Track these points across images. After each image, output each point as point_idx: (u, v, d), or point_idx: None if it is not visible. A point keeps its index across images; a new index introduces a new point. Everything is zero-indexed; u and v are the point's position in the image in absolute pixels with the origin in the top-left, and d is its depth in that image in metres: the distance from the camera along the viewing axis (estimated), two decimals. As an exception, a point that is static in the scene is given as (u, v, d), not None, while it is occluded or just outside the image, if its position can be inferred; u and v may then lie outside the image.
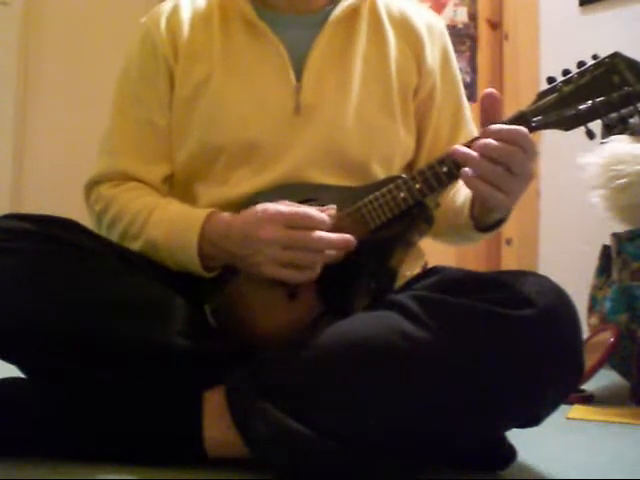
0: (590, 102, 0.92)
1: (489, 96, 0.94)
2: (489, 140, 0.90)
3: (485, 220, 1.03)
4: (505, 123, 0.93)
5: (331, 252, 0.95)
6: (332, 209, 0.98)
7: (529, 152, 0.90)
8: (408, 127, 1.16)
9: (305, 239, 0.94)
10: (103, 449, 0.95)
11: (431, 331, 0.88)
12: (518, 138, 0.90)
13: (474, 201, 1.03)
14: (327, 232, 0.95)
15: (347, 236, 0.95)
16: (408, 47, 1.17)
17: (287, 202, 0.98)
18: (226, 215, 1.03)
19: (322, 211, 0.97)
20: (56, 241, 0.96)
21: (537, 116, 0.94)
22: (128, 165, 1.13)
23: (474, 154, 0.90)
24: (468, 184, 0.92)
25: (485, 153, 0.90)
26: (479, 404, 0.88)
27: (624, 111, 0.91)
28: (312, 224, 0.94)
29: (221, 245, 1.01)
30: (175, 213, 1.06)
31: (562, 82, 0.94)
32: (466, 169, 0.91)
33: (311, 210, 0.96)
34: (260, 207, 0.98)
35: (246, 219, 0.98)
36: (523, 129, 0.90)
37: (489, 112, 0.94)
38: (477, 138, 0.93)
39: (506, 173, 0.90)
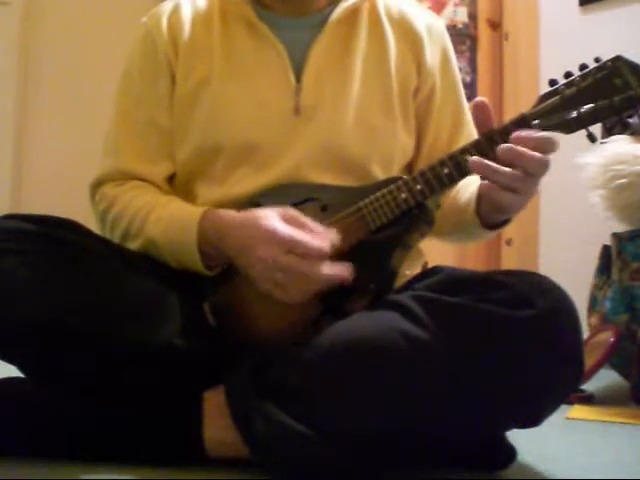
0: (592, 105, 0.92)
1: (477, 106, 0.95)
2: (521, 148, 0.90)
3: (493, 219, 1.03)
4: (507, 126, 0.94)
5: (323, 284, 0.94)
6: (335, 237, 0.96)
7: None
8: (408, 128, 1.16)
9: (301, 268, 0.93)
10: (103, 449, 0.95)
11: (431, 331, 0.88)
12: (552, 145, 0.90)
13: (480, 199, 1.03)
14: (325, 262, 0.93)
15: (343, 271, 0.94)
16: (408, 48, 1.17)
17: (292, 213, 0.97)
18: (223, 213, 1.02)
19: (324, 237, 0.95)
20: (57, 242, 0.96)
21: (539, 119, 0.94)
22: (131, 165, 1.13)
23: (493, 166, 0.90)
24: (487, 192, 0.93)
25: (515, 161, 0.90)
26: (479, 404, 0.88)
27: (625, 114, 0.92)
28: (312, 254, 0.93)
29: (217, 244, 1.01)
30: (174, 211, 1.06)
31: (564, 85, 0.94)
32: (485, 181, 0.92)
33: (312, 240, 0.93)
34: (263, 221, 0.96)
35: (245, 229, 0.97)
36: (554, 139, 0.91)
37: (481, 119, 0.95)
38: (481, 140, 0.94)
39: (523, 176, 0.90)
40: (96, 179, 1.15)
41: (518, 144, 0.90)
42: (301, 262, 0.93)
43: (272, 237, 0.94)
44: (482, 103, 0.95)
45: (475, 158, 0.92)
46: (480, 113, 0.95)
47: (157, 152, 1.14)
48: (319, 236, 0.95)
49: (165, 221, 1.05)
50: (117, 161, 1.15)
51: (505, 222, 1.05)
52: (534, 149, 0.90)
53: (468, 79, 2.64)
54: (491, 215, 1.02)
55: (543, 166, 0.90)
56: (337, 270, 0.94)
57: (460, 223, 1.12)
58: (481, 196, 1.01)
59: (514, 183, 0.90)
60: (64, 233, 0.99)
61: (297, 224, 0.96)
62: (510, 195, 0.91)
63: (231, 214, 1.02)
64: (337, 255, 0.96)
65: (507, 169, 0.90)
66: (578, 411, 1.50)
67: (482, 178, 0.93)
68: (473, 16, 2.68)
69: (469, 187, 1.09)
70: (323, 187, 1.07)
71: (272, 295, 0.96)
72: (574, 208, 2.22)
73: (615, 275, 1.75)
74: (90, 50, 2.95)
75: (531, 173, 0.90)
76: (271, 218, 0.96)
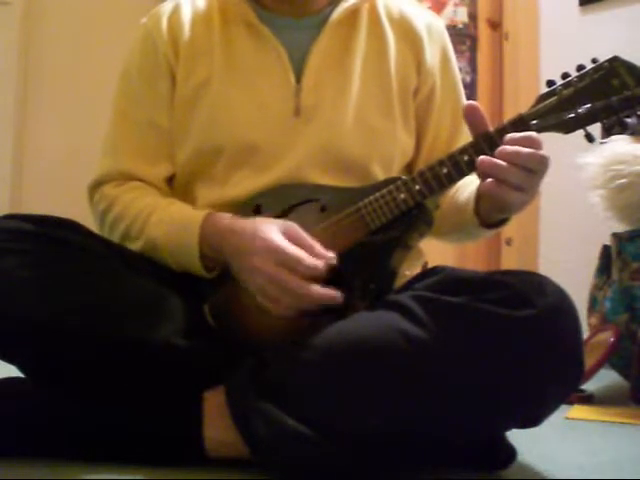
0: (590, 105, 0.92)
1: (468, 110, 0.95)
2: (519, 148, 0.90)
3: (494, 217, 1.03)
4: (505, 126, 0.94)
5: (312, 304, 0.94)
6: (332, 258, 0.95)
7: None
8: (408, 128, 1.17)
9: (289, 284, 0.92)
10: (103, 449, 0.95)
11: (431, 331, 0.88)
12: (536, 144, 0.91)
13: (479, 198, 1.03)
14: (315, 283, 0.92)
15: (332, 293, 0.93)
16: (408, 48, 1.17)
17: (293, 229, 0.96)
18: (224, 217, 1.03)
19: (320, 256, 0.94)
20: (57, 242, 0.97)
21: (536, 119, 0.94)
22: (130, 165, 1.14)
23: (502, 164, 0.90)
24: (492, 191, 0.92)
25: (518, 161, 0.90)
26: (479, 404, 0.88)
27: (623, 114, 0.92)
28: (303, 271, 0.92)
29: (217, 247, 1.01)
30: (175, 213, 1.07)
31: (562, 85, 0.94)
32: (489, 180, 0.91)
33: (306, 257, 0.93)
34: (260, 233, 0.96)
35: (245, 235, 0.98)
36: (537, 136, 0.91)
37: (474, 123, 0.95)
38: (480, 140, 0.94)
39: (528, 174, 0.90)
40: (95, 179, 1.16)
41: (512, 145, 0.91)
42: (291, 278, 0.92)
43: (267, 248, 0.94)
44: (473, 107, 0.95)
45: (484, 157, 0.92)
46: (473, 117, 0.95)
47: (156, 153, 1.14)
48: (315, 254, 0.94)
49: (166, 223, 1.05)
50: (116, 161, 1.15)
51: (503, 221, 1.05)
52: (531, 147, 0.90)
53: (468, 79, 2.64)
54: (491, 214, 1.02)
55: (541, 162, 0.91)
56: (327, 292, 0.93)
57: (459, 223, 1.12)
58: (481, 195, 1.01)
59: (521, 181, 0.91)
60: (64, 233, 0.99)
61: (296, 240, 0.95)
62: (517, 193, 0.91)
63: (233, 218, 1.02)
64: (337, 255, 0.96)
65: (514, 167, 0.90)
66: (578, 411, 1.50)
67: (485, 177, 0.93)
68: (473, 16, 2.68)
69: (467, 187, 1.09)
70: (323, 188, 1.07)
71: (262, 304, 0.96)
72: (574, 208, 2.22)
73: (615, 275, 1.75)
74: (90, 50, 2.95)
75: (533, 170, 0.90)
76: (271, 230, 0.96)
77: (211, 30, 1.14)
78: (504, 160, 0.90)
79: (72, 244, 0.98)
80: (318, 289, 0.93)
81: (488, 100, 2.60)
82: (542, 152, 0.91)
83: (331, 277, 0.97)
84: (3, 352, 0.97)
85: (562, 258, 2.33)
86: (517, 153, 0.90)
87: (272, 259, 0.93)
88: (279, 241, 0.95)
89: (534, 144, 0.91)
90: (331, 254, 0.95)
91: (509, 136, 0.92)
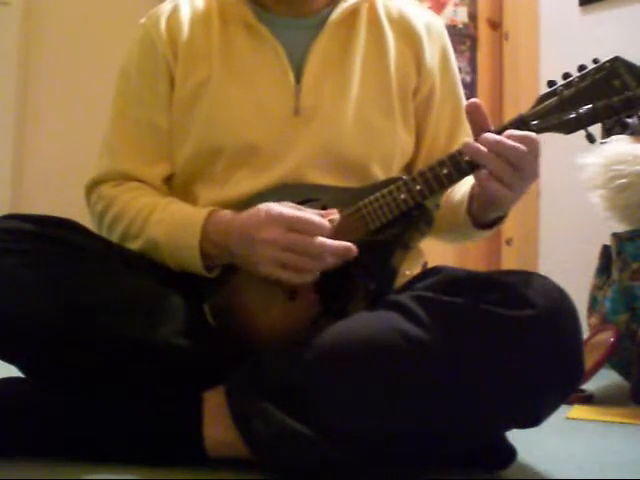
0: (591, 106, 0.92)
1: (471, 107, 0.95)
2: (503, 138, 0.90)
3: (484, 217, 1.03)
4: (505, 127, 0.94)
5: (330, 259, 0.95)
6: (334, 215, 0.98)
7: (537, 156, 0.92)
8: (407, 128, 1.17)
9: (304, 243, 0.93)
10: (103, 449, 0.95)
11: (431, 331, 0.89)
12: (530, 143, 0.90)
13: (472, 198, 1.03)
14: (327, 238, 0.94)
15: (347, 244, 0.94)
16: (407, 48, 1.17)
17: (290, 204, 0.98)
18: (227, 213, 1.03)
19: (324, 216, 0.96)
20: (57, 242, 0.97)
21: (537, 119, 0.94)
22: (128, 165, 1.13)
23: (485, 150, 0.91)
24: (477, 179, 0.93)
25: (498, 150, 0.90)
26: (479, 404, 0.88)
27: (623, 114, 0.92)
28: (313, 229, 0.94)
29: (221, 244, 1.01)
30: (175, 212, 1.06)
31: (562, 86, 0.94)
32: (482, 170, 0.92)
33: (313, 215, 0.95)
34: (264, 208, 0.97)
35: (248, 219, 0.98)
36: (535, 136, 0.91)
37: (477, 121, 0.95)
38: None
39: (514, 171, 0.90)
40: (92, 179, 1.15)
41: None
42: (302, 238, 0.93)
43: (273, 218, 0.95)
44: (475, 104, 0.95)
45: (468, 141, 0.93)
46: (475, 115, 0.95)
47: (154, 153, 1.14)
48: (318, 215, 0.96)
49: (167, 223, 1.05)
50: (114, 161, 1.14)
51: (497, 222, 1.05)
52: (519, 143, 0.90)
53: (468, 79, 2.64)
54: (483, 212, 1.02)
55: (523, 159, 0.90)
56: (341, 243, 0.94)
57: (454, 223, 1.12)
58: (473, 194, 1.02)
59: (504, 174, 0.90)
60: (64, 233, 0.99)
61: (297, 209, 0.97)
62: (503, 189, 0.91)
63: (234, 212, 1.03)
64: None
65: (497, 157, 0.90)
66: (578, 411, 1.50)
67: (475, 167, 0.94)
68: (473, 16, 2.68)
69: (462, 187, 1.09)
70: (323, 187, 1.07)
71: (281, 280, 0.96)
72: (574, 208, 2.22)
73: (615, 275, 1.75)
74: (90, 50, 2.95)
75: (515, 165, 0.90)
76: (273, 204, 0.98)
77: (210, 30, 1.14)
78: (487, 147, 0.90)
79: (72, 244, 0.98)
80: (331, 242, 0.93)
81: (488, 100, 2.60)
82: (526, 150, 0.90)
83: (332, 277, 0.97)
84: (3, 352, 0.97)
85: (562, 258, 2.33)
86: (498, 142, 0.90)
87: (280, 226, 0.94)
88: (282, 209, 0.96)
89: (529, 143, 0.90)
90: (334, 213, 0.97)
91: (507, 132, 0.91)
